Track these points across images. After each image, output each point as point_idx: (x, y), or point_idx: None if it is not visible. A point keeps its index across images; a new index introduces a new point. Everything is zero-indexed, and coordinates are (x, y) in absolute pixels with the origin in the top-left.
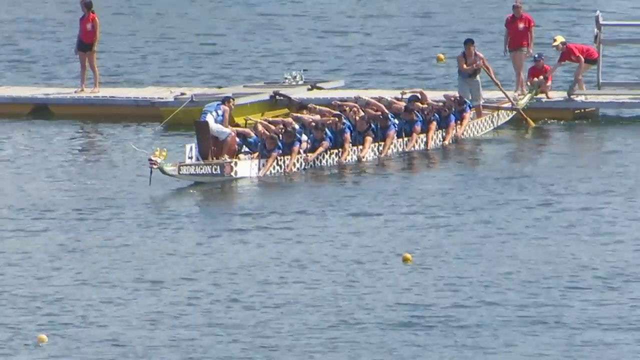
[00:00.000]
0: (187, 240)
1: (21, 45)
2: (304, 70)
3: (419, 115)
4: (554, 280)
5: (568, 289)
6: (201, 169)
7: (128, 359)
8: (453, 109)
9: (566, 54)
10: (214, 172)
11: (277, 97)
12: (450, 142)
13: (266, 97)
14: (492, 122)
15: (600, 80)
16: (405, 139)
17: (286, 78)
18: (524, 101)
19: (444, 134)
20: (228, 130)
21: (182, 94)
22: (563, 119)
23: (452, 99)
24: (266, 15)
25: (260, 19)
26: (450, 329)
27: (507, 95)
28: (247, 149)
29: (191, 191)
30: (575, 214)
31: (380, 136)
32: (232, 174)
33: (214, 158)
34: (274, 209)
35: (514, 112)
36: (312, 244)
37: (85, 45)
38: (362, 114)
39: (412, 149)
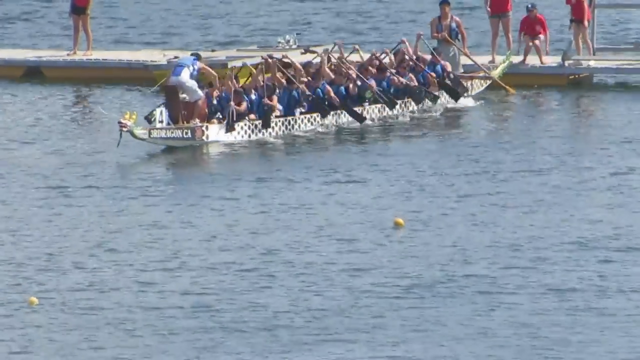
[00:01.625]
0: (163, 206)
1: (14, 8)
2: (297, 34)
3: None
4: (541, 248)
5: (555, 256)
6: (172, 132)
7: (102, 330)
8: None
9: None
10: (185, 136)
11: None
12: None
13: (259, 60)
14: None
15: (595, 46)
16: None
17: (279, 42)
18: (498, 70)
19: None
20: (200, 92)
21: (176, 57)
22: (557, 85)
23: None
24: None
25: None
26: (438, 294)
27: (478, 65)
28: (219, 115)
29: (163, 157)
30: (566, 180)
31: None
32: (204, 137)
33: (185, 122)
34: (249, 175)
35: (489, 81)
36: (292, 210)
37: (79, 8)
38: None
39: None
